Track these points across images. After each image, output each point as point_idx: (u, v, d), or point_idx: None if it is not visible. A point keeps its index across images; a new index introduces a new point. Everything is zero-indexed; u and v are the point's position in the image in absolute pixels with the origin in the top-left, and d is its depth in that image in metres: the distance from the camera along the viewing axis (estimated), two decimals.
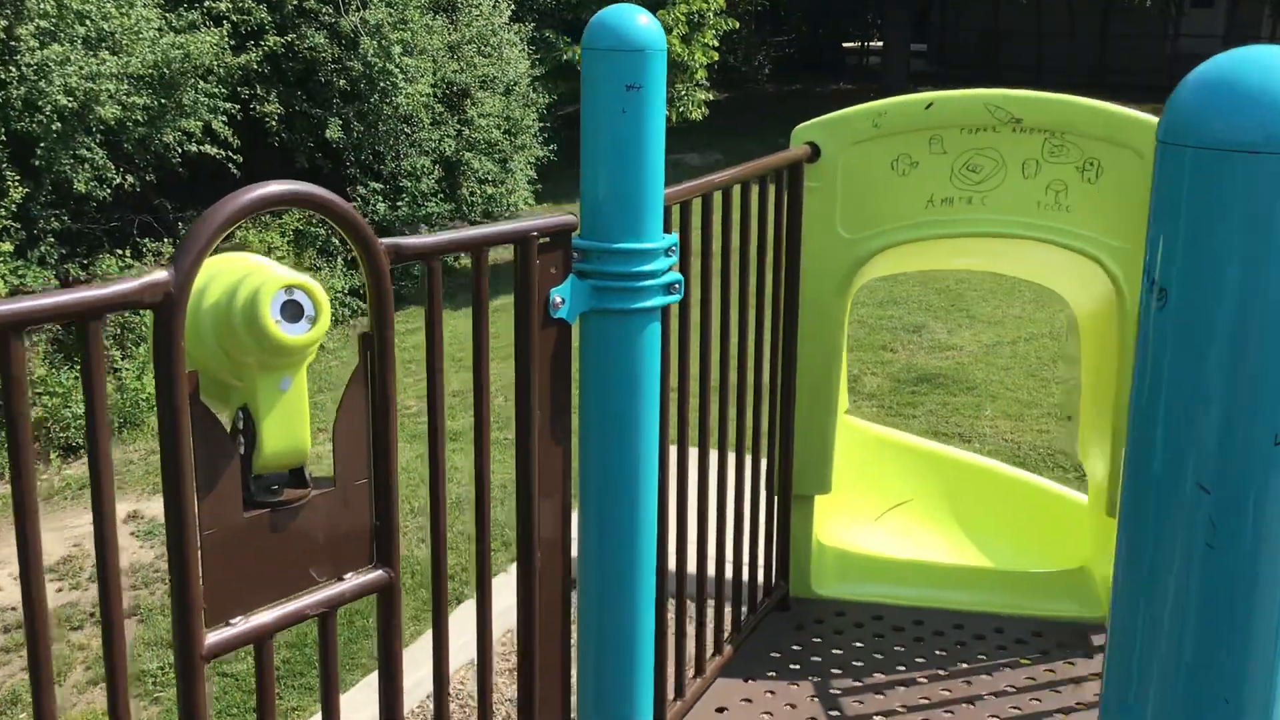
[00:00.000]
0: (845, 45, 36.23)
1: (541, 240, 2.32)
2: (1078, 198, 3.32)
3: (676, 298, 2.54)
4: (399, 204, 14.08)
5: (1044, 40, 28.72)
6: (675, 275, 2.53)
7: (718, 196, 2.92)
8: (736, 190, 3.00)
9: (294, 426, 1.92)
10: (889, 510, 4.36)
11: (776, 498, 3.57)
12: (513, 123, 16.50)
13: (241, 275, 1.87)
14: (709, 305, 2.96)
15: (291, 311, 1.84)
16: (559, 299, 2.37)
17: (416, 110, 13.56)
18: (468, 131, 15.42)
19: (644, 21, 2.39)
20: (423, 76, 13.72)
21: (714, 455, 3.15)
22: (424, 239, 2.07)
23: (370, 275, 1.93)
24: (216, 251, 1.73)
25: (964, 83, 20.52)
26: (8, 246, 9.67)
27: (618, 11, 2.38)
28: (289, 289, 1.83)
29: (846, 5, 32.14)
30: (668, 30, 13.66)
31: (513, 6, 16.83)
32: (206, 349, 1.86)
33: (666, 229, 2.58)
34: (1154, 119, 3.18)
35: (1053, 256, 3.51)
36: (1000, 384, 9.31)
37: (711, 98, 15.05)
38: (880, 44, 32.52)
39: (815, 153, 3.35)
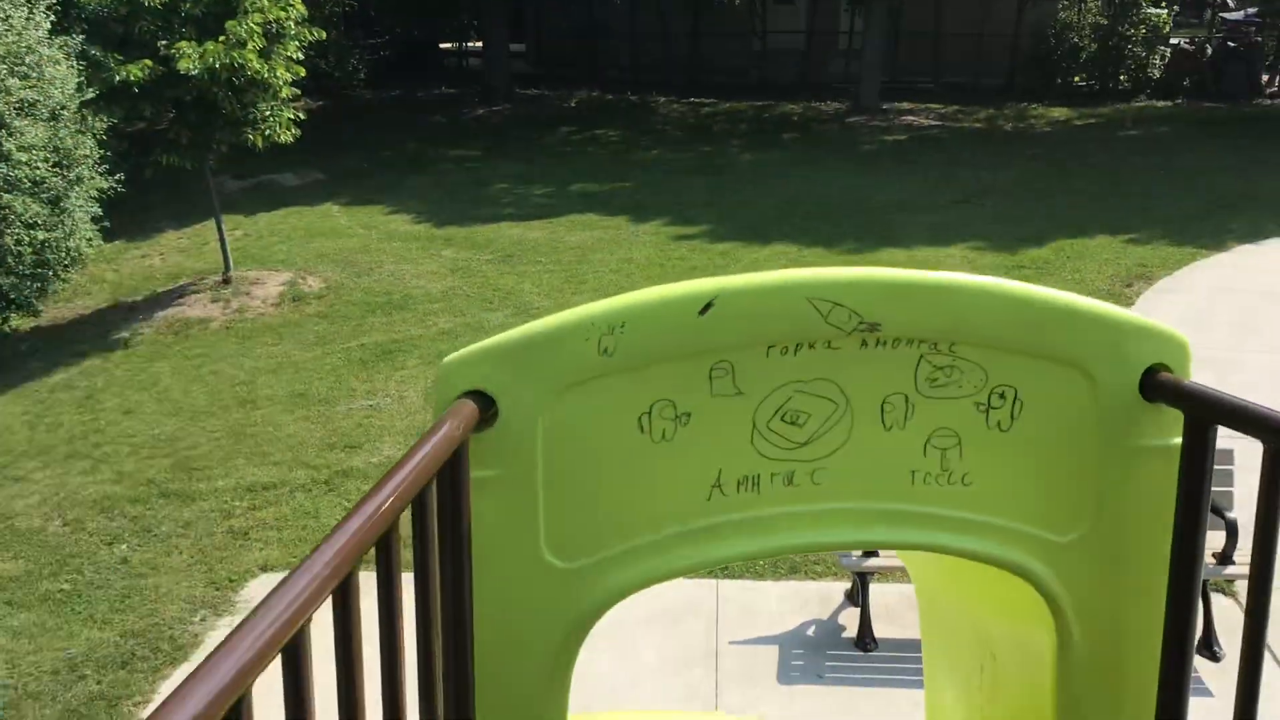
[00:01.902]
0: (443, 46, 34.97)
1: None
2: (981, 459, 2.07)
3: None
4: None
5: (637, 40, 28.75)
6: None
7: None
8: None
9: None
10: None
11: None
12: (64, 154, 14.02)
13: None
14: None
15: None
16: None
17: None
18: (5, 169, 12.87)
19: None
20: None
21: None
22: None
23: None
24: None
25: (567, 84, 19.81)
26: None
27: None
28: None
29: (440, 5, 30.87)
30: (241, 44, 11.88)
31: (53, 17, 14.31)
32: None
33: None
34: (1120, 312, 2.04)
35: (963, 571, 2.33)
36: None
37: (302, 116, 13.37)
38: (479, 44, 31.54)
39: (488, 409, 1.94)
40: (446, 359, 1.98)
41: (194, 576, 6.81)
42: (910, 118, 23.63)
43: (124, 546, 7.20)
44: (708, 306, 1.95)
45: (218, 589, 6.66)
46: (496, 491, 1.98)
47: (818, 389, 2.03)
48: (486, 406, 1.94)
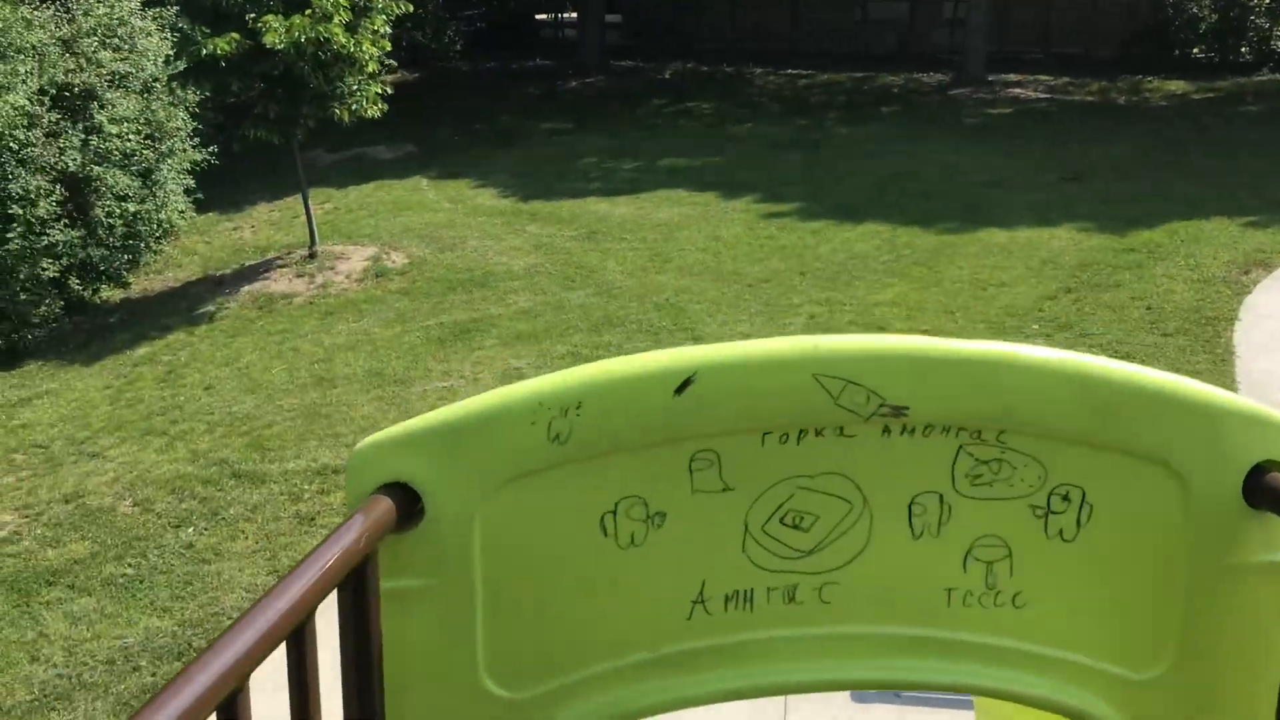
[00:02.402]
0: (538, 17, 34.77)
1: None
2: (1037, 575, 1.67)
3: None
4: (8, 235, 11.56)
5: (735, 11, 28.20)
6: None
7: None
8: None
9: None
10: None
11: None
12: (155, 126, 14.11)
13: None
14: None
15: None
16: None
17: (11, 123, 11.08)
18: (96, 141, 12.97)
19: None
20: (20, 82, 11.24)
21: None
22: None
23: None
24: None
25: (662, 56, 19.35)
26: None
27: None
28: None
29: None
30: (327, 18, 11.75)
31: None
32: None
33: None
34: (1220, 396, 1.62)
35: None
36: None
37: (389, 90, 13.23)
38: (574, 15, 31.27)
39: (413, 507, 1.60)
40: (361, 444, 1.63)
41: (257, 563, 6.69)
42: (1017, 90, 22.76)
43: (190, 530, 7.12)
44: (686, 383, 1.58)
45: (279, 578, 6.52)
46: (423, 605, 1.62)
47: (827, 485, 1.64)
48: (410, 502, 1.58)
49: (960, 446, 1.62)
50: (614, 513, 1.64)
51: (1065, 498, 1.63)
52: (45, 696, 5.37)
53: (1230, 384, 8.46)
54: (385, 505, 1.53)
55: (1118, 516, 1.62)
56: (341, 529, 1.42)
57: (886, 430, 1.61)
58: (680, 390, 1.59)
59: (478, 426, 1.60)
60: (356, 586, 1.49)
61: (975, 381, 1.57)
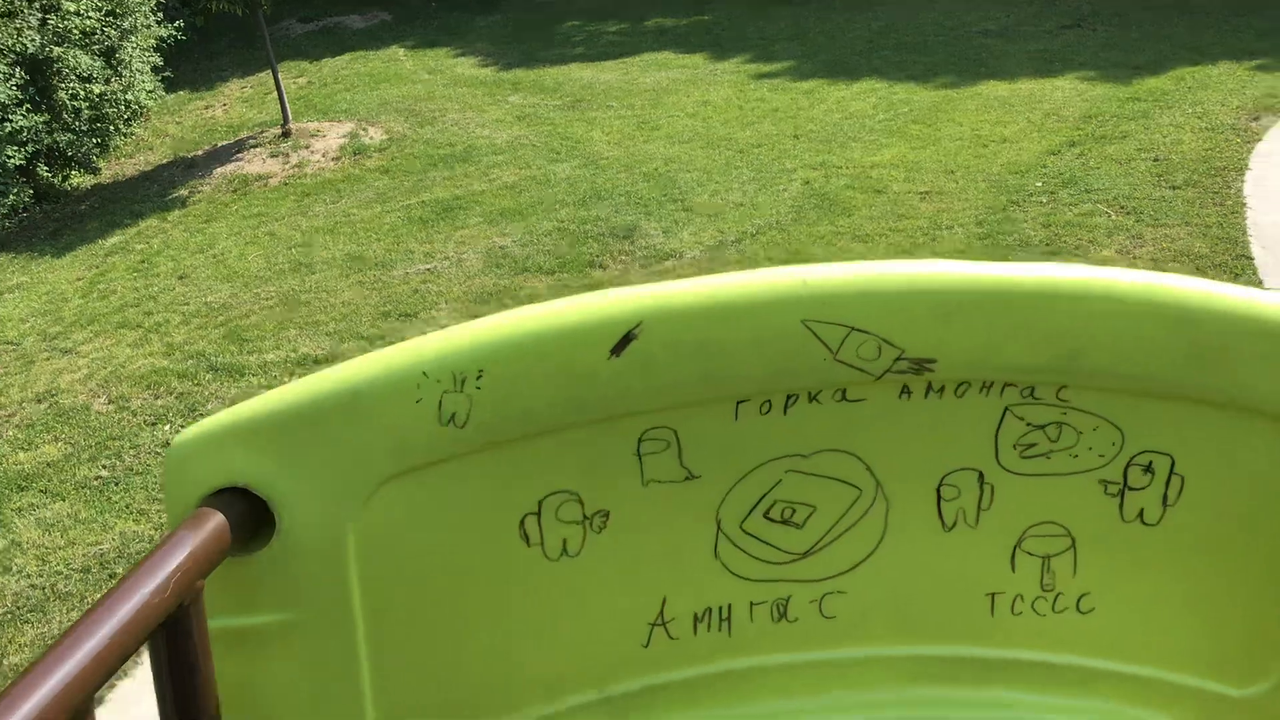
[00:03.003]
0: None
1: None
2: (1110, 570, 1.28)
3: None
4: None
5: None
6: None
7: None
8: None
9: None
10: None
11: None
12: (116, 1, 13.45)
13: None
14: None
15: None
16: None
17: None
18: (55, 20, 12.37)
19: None
20: None
21: None
22: None
23: None
24: None
25: None
26: None
27: None
28: None
29: None
30: None
31: None
32: None
33: None
34: None
35: None
36: None
37: None
38: None
39: (259, 520, 1.24)
40: (180, 436, 1.23)
41: None
42: None
43: (167, 428, 6.87)
44: (626, 339, 1.16)
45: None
46: (281, 648, 1.23)
47: (827, 467, 1.24)
48: (255, 514, 1.19)
49: (1007, 408, 1.22)
50: (538, 514, 1.25)
51: (1147, 469, 1.24)
52: (18, 609, 5.18)
53: (1241, 237, 8.14)
54: (216, 523, 1.15)
55: (1216, 491, 1.24)
56: (151, 560, 1.04)
57: (905, 391, 1.21)
58: (619, 349, 1.18)
59: (342, 408, 1.20)
60: (173, 635, 1.09)
61: (1027, 319, 1.15)
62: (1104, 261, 7.87)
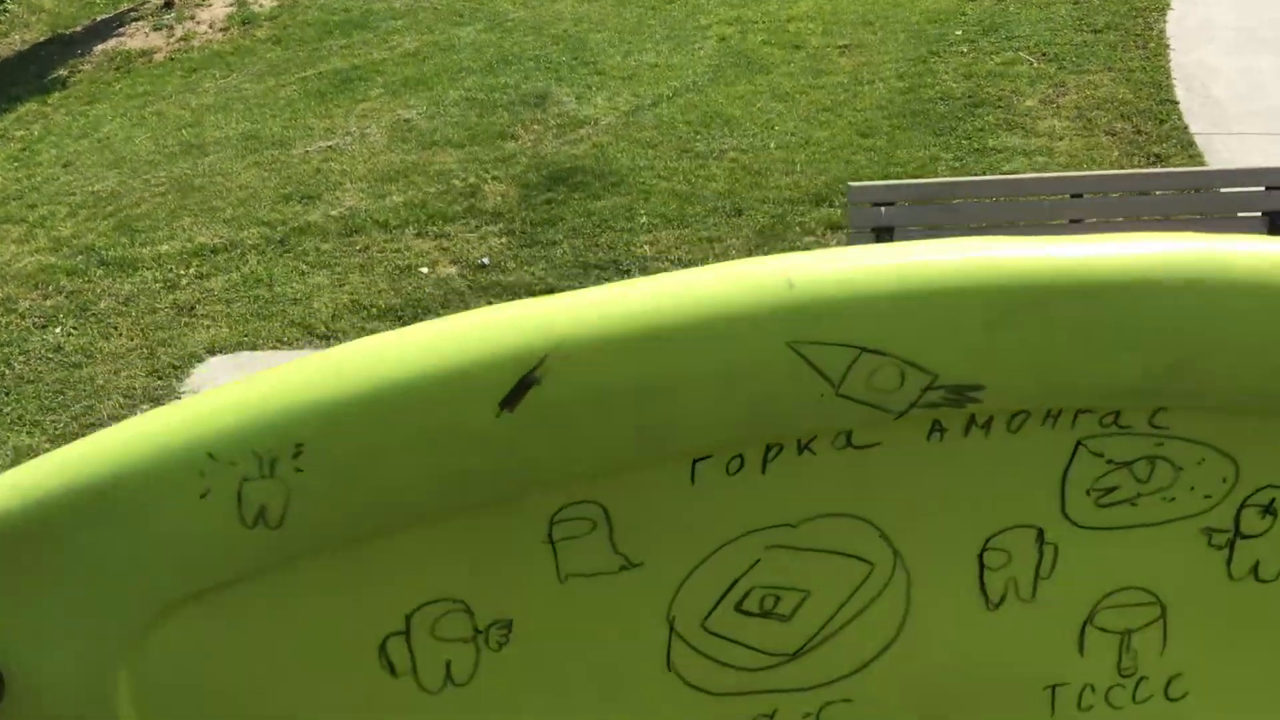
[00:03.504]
0: None
1: None
2: (1209, 643, 0.95)
3: None
4: None
5: None
6: None
7: None
8: None
9: None
10: None
11: None
12: None
13: None
14: None
15: None
16: None
17: None
18: None
19: None
20: None
21: None
22: None
23: None
24: None
25: None
26: None
27: None
28: None
29: None
30: None
31: None
32: None
33: None
34: None
35: None
36: (650, 170, 7.51)
37: None
38: None
39: None
40: None
41: (134, 364, 6.11)
42: None
43: (58, 330, 6.49)
44: (522, 386, 0.78)
45: (160, 378, 5.97)
46: None
47: (823, 538, 0.90)
48: None
49: (1079, 443, 0.87)
50: (405, 633, 0.88)
51: (1268, 509, 0.92)
52: None
53: (1165, 80, 7.97)
54: None
55: None
56: None
57: (937, 429, 0.85)
58: (513, 401, 0.79)
59: (92, 513, 0.81)
60: None
61: (1113, 319, 0.82)
62: (1026, 112, 7.68)
